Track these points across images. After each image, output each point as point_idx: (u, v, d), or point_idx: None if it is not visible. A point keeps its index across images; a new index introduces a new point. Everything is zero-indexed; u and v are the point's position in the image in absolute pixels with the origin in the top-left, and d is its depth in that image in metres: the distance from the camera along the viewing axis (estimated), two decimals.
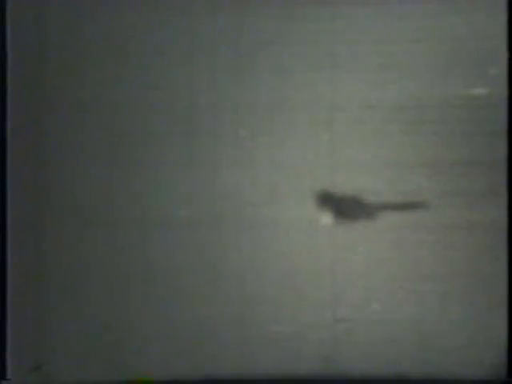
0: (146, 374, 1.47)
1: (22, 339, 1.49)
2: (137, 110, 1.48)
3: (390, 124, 1.45)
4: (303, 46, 1.46)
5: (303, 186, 1.46)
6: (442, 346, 1.45)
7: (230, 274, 1.47)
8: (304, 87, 1.46)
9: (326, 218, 1.45)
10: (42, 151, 1.48)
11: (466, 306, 1.44)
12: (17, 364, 1.48)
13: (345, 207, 1.45)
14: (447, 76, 1.44)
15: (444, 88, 1.44)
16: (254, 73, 1.47)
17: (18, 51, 1.49)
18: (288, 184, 1.46)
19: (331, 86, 1.46)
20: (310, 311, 1.46)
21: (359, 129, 1.45)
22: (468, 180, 1.43)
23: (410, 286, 1.45)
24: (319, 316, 1.45)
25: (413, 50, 1.45)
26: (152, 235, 1.48)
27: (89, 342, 1.48)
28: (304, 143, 1.46)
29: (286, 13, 1.46)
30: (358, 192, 1.45)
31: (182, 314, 1.48)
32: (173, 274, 1.47)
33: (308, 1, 1.46)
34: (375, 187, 1.45)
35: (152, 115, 1.48)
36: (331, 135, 1.46)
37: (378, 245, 1.44)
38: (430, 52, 1.44)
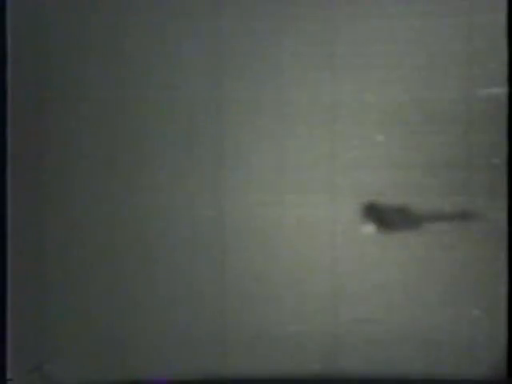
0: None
1: (22, 339, 1.49)
2: (137, 109, 1.48)
3: (390, 124, 1.45)
4: (303, 46, 1.46)
5: (304, 187, 1.46)
6: (441, 346, 1.45)
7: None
8: (304, 87, 1.46)
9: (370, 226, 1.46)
10: (42, 152, 1.48)
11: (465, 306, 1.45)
12: (17, 364, 1.48)
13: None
14: (447, 76, 1.44)
15: (444, 88, 1.44)
16: (255, 72, 1.47)
17: (17, 51, 1.48)
18: (290, 183, 1.47)
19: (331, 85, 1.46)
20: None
21: (361, 128, 1.46)
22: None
23: (411, 286, 1.45)
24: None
25: (412, 50, 1.45)
26: (156, 235, 1.48)
27: (89, 342, 1.48)
28: (307, 143, 1.47)
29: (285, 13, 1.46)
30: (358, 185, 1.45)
31: (182, 314, 1.48)
32: (181, 273, 1.48)
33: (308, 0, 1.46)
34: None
35: (152, 114, 1.48)
36: (333, 135, 1.46)
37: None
38: (429, 52, 1.45)
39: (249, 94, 1.47)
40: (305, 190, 1.46)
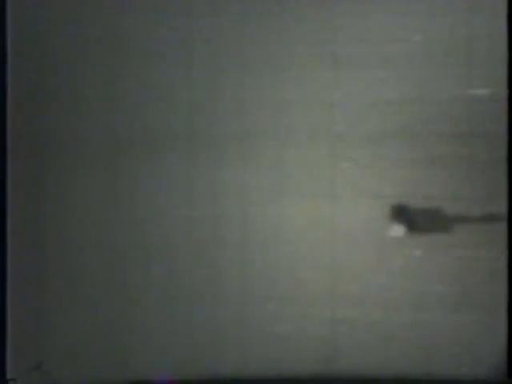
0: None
1: (22, 339, 1.49)
2: (137, 108, 1.48)
3: (390, 123, 1.45)
4: (303, 46, 1.46)
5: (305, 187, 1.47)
6: (441, 346, 1.45)
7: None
8: (304, 86, 1.46)
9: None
10: (42, 151, 1.48)
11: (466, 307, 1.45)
12: (17, 364, 1.49)
13: None
14: (447, 76, 1.44)
15: (444, 88, 1.44)
16: (254, 72, 1.47)
17: (18, 51, 1.49)
18: (289, 185, 1.47)
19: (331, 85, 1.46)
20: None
21: (360, 129, 1.46)
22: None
23: (411, 286, 1.45)
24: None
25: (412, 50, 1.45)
26: (154, 236, 1.48)
27: (89, 342, 1.48)
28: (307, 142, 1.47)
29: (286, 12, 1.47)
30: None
31: (182, 314, 1.48)
32: (181, 272, 1.48)
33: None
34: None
35: (152, 113, 1.48)
36: (332, 134, 1.46)
37: None
38: (429, 51, 1.45)
39: (248, 93, 1.47)
40: (305, 190, 1.46)
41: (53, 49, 1.49)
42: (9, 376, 1.48)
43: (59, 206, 1.48)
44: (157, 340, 1.48)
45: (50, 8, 1.48)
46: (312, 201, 1.46)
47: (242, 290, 1.47)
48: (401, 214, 1.45)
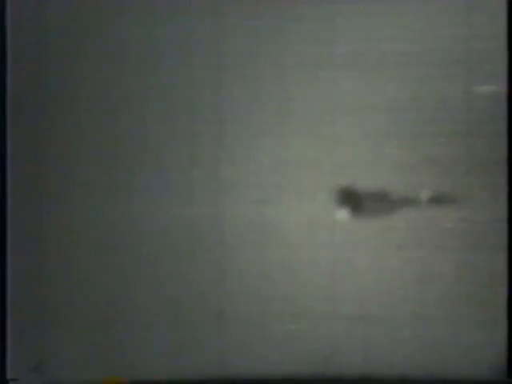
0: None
1: (23, 339, 1.49)
2: (137, 108, 1.48)
3: (389, 123, 1.45)
4: (303, 45, 1.46)
5: (306, 185, 1.46)
6: (442, 346, 1.45)
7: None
8: (304, 86, 1.46)
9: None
10: (41, 152, 1.49)
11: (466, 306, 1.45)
12: (17, 364, 1.49)
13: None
14: (447, 76, 1.44)
15: (444, 88, 1.44)
16: (254, 72, 1.47)
17: (17, 51, 1.49)
18: (293, 182, 1.47)
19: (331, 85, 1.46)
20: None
21: (361, 129, 1.46)
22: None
23: (410, 285, 1.45)
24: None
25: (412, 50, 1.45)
26: (152, 235, 1.48)
27: (90, 342, 1.49)
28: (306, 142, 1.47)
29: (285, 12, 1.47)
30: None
31: (181, 314, 1.48)
32: (180, 271, 1.48)
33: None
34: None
35: (152, 114, 1.48)
36: (332, 134, 1.46)
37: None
38: (429, 51, 1.45)
39: (248, 93, 1.47)
40: (304, 189, 1.46)
41: (53, 49, 1.49)
42: (9, 376, 1.48)
43: (60, 206, 1.49)
44: (158, 340, 1.48)
45: (50, 8, 1.49)
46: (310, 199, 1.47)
47: (241, 288, 1.47)
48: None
